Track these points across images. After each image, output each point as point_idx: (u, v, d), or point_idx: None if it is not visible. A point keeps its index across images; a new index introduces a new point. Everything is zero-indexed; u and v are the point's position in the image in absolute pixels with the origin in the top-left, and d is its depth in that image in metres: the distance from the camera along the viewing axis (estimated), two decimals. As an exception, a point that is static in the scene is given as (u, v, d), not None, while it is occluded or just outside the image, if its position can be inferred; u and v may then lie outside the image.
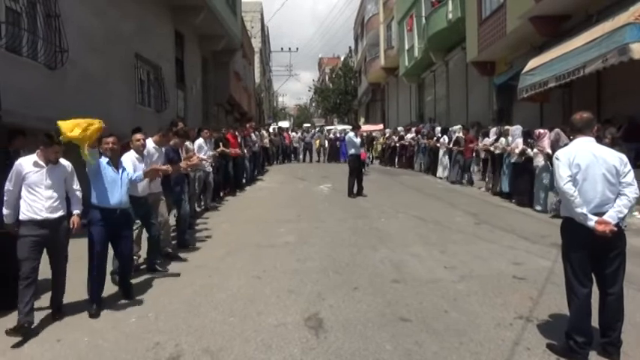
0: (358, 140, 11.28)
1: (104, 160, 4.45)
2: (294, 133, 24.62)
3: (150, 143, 5.71)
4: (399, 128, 22.15)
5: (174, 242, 6.46)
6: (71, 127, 3.99)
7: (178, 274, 5.35)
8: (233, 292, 4.76)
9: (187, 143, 7.48)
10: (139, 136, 5.32)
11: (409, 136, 19.34)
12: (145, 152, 5.44)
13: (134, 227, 5.11)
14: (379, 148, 23.26)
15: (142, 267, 5.57)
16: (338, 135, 24.65)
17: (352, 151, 11.21)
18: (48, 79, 8.16)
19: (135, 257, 5.34)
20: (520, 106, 14.21)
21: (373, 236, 7.00)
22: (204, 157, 8.48)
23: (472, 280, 4.95)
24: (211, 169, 9.48)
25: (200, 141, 8.84)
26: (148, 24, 12.84)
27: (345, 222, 8.09)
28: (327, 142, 23.76)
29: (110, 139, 4.53)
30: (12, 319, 4.02)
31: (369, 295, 4.55)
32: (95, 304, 4.28)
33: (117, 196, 4.40)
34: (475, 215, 8.50)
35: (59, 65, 8.41)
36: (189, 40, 16.71)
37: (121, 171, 4.53)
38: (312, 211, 9.27)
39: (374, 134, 25.35)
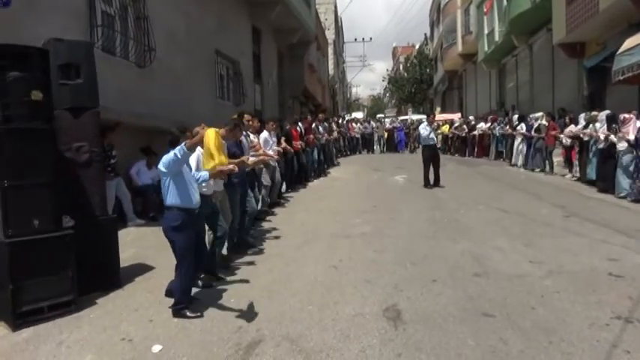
0: (429, 129, 10.94)
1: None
2: (359, 124, 24.17)
3: None
4: (470, 117, 21.32)
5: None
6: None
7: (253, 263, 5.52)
8: (310, 280, 4.83)
9: (252, 136, 7.21)
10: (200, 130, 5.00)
11: (483, 125, 18.69)
12: None
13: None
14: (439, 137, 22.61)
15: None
16: (397, 125, 24.23)
17: (425, 140, 10.86)
18: (138, 77, 8.71)
19: None
20: (614, 90, 13.06)
21: (452, 228, 6.79)
22: (271, 152, 7.92)
23: (561, 276, 4.64)
24: (277, 165, 8.85)
25: (265, 134, 8.26)
26: (226, 20, 13.29)
27: (422, 213, 7.91)
28: (385, 133, 23.32)
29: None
30: (112, 299, 4.39)
31: (448, 288, 4.42)
32: (188, 303, 4.12)
33: (196, 194, 4.17)
34: (563, 207, 7.96)
35: (147, 63, 8.96)
36: (265, 35, 17.10)
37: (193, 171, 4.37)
38: (387, 201, 9.17)
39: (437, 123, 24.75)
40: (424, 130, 10.95)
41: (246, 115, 6.23)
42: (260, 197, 7.58)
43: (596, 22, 12.92)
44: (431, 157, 10.82)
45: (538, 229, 6.54)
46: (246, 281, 4.88)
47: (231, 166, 4.61)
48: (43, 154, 4.16)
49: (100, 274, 4.64)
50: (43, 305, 4.04)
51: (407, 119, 28.83)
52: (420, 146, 11.79)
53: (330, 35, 35.78)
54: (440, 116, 25.07)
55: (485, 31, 23.63)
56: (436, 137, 10.95)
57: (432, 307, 4.00)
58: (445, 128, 22.06)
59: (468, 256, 5.38)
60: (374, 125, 24.41)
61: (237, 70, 14.14)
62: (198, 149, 4.70)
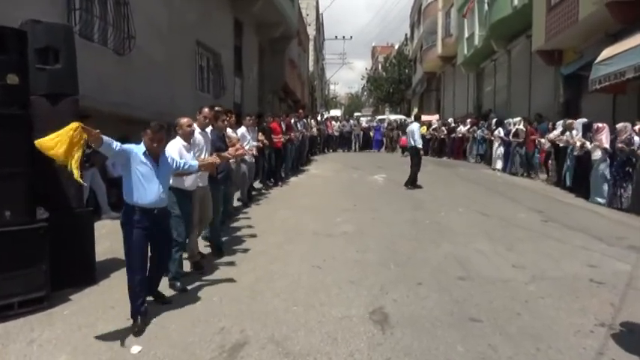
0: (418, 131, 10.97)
1: (140, 149, 3.73)
2: (338, 123, 24.16)
3: (196, 129, 4.97)
4: (450, 120, 21.58)
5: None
6: (53, 145, 3.27)
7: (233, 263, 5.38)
8: (294, 280, 4.74)
9: (229, 131, 6.97)
10: (185, 121, 4.63)
11: (462, 128, 18.94)
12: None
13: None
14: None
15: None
16: (374, 124, 24.44)
17: (414, 142, 10.82)
18: (116, 65, 8.43)
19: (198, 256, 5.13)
20: (590, 98, 13.35)
21: (433, 230, 6.79)
22: (247, 147, 7.52)
23: (544, 282, 4.68)
24: (253, 161, 8.75)
25: (243, 129, 8.09)
26: (209, 11, 13.03)
27: (402, 214, 7.91)
28: (361, 132, 23.43)
29: (159, 136, 3.77)
30: (87, 295, 4.20)
31: (434, 292, 4.39)
32: (139, 317, 3.66)
33: (154, 194, 3.72)
34: (541, 212, 8.07)
35: (127, 51, 8.68)
36: (247, 28, 16.86)
37: (161, 164, 3.83)
38: (368, 200, 9.14)
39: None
40: (417, 131, 10.94)
41: (216, 108, 5.58)
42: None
43: (575, 31, 13.16)
44: (419, 158, 10.81)
45: (518, 233, 6.60)
46: (229, 280, 4.74)
47: (211, 159, 4.48)
48: (17, 141, 3.93)
49: (74, 269, 4.42)
50: (14, 301, 3.82)
51: (385, 119, 28.99)
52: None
53: (311, 31, 35.59)
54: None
55: (466, 35, 23.88)
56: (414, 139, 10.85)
57: (418, 311, 3.96)
58: (423, 129, 22.24)
59: (451, 259, 5.38)
60: (352, 123, 24.45)
61: (217, 62, 13.89)
62: (180, 142, 4.59)
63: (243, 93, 16.66)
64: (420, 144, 10.90)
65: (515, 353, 3.26)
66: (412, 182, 10.64)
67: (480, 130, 17.31)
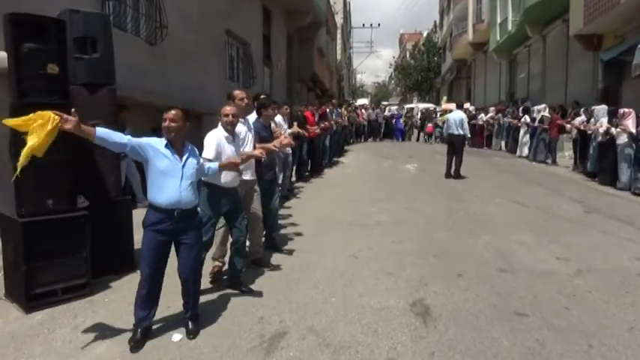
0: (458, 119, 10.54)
1: (161, 141, 3.26)
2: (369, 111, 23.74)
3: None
4: (471, 108, 21.08)
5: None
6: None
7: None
8: (331, 270, 4.68)
9: (278, 119, 6.87)
10: (229, 109, 4.06)
11: (484, 116, 18.72)
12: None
13: (219, 226, 4.28)
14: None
15: (224, 277, 4.45)
16: (395, 113, 23.96)
17: (462, 131, 10.42)
18: (149, 55, 8.48)
19: (219, 263, 4.45)
20: (631, 84, 12.81)
21: (470, 220, 6.62)
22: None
23: (591, 275, 4.49)
24: (290, 151, 8.16)
25: (279, 118, 7.57)
26: (238, 0, 12.99)
27: (437, 204, 7.74)
28: (384, 121, 22.99)
29: (171, 114, 3.23)
30: (126, 282, 4.24)
31: (475, 284, 4.26)
32: (139, 329, 3.26)
33: (173, 191, 3.21)
34: (581, 202, 7.79)
35: (159, 41, 8.72)
36: (276, 17, 16.78)
37: (185, 157, 3.29)
38: (401, 190, 9.00)
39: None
40: (465, 119, 10.62)
41: (237, 93, 4.67)
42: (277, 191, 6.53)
43: (616, 14, 12.58)
44: (457, 147, 10.46)
45: (560, 224, 6.38)
46: (265, 269, 4.71)
47: (256, 153, 3.92)
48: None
49: (114, 257, 4.48)
50: (57, 288, 3.88)
51: (413, 107, 28.58)
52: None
53: (338, 20, 35.26)
54: (446, 105, 24.80)
55: (498, 20, 23.21)
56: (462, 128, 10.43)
57: (461, 304, 3.85)
58: (444, 117, 21.89)
59: (491, 251, 5.23)
60: (377, 112, 23.98)
61: (247, 51, 13.88)
62: (221, 132, 4.03)
63: (272, 82, 16.63)
64: (468, 133, 10.63)
65: (566, 350, 3.12)
66: (457, 173, 10.36)
67: (505, 118, 17.01)
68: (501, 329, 3.40)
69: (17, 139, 3.81)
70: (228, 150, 4.00)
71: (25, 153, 2.91)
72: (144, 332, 3.26)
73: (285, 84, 18.40)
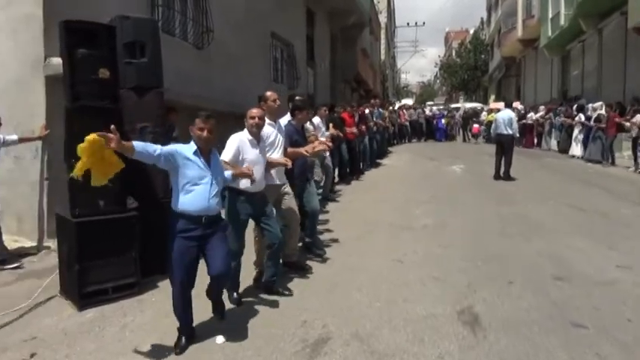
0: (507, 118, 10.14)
1: (189, 149, 3.20)
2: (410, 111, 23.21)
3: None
4: (520, 107, 20.27)
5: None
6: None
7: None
8: (375, 274, 4.58)
9: (316, 121, 6.72)
10: (255, 111, 3.86)
11: (533, 115, 18.15)
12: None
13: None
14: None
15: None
16: (436, 113, 23.35)
17: (511, 130, 10.02)
18: (196, 59, 8.66)
19: (259, 269, 4.39)
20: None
21: (522, 224, 6.34)
22: (323, 139, 6.51)
23: (656, 285, 4.18)
24: (327, 153, 7.79)
25: (317, 120, 7.36)
26: (282, 2, 13.08)
27: (486, 206, 7.48)
28: (425, 121, 22.43)
29: (210, 124, 3.20)
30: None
31: (528, 292, 4.05)
32: (183, 335, 3.28)
33: (202, 199, 3.18)
34: (643, 206, 7.32)
35: (205, 45, 8.89)
36: (319, 18, 16.81)
37: (213, 164, 3.27)
38: (447, 192, 8.76)
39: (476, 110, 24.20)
40: (514, 118, 10.25)
41: (269, 94, 4.42)
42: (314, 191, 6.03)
43: (681, 5, 11.80)
44: (506, 147, 10.06)
45: (620, 230, 6.00)
46: (308, 272, 4.67)
47: (282, 160, 3.83)
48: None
49: (161, 257, 4.55)
50: (108, 286, 4.01)
51: (460, 107, 27.93)
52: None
53: (382, 19, 34.95)
54: (494, 104, 24.06)
55: (550, 15, 22.27)
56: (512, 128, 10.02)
57: (512, 313, 3.66)
58: (491, 117, 21.26)
59: (545, 257, 4.97)
60: (418, 112, 23.39)
61: (291, 52, 13.96)
62: (245, 135, 3.84)
63: (316, 83, 16.66)
64: (517, 133, 10.28)
65: (630, 366, 2.91)
66: (507, 174, 9.99)
67: (557, 117, 16.28)
68: (557, 341, 3.20)
69: (71, 143, 3.96)
70: (251, 154, 3.81)
71: (78, 167, 3.04)
72: (188, 336, 3.29)
73: (328, 84, 18.40)
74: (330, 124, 8.54)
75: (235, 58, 10.01)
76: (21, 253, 5.30)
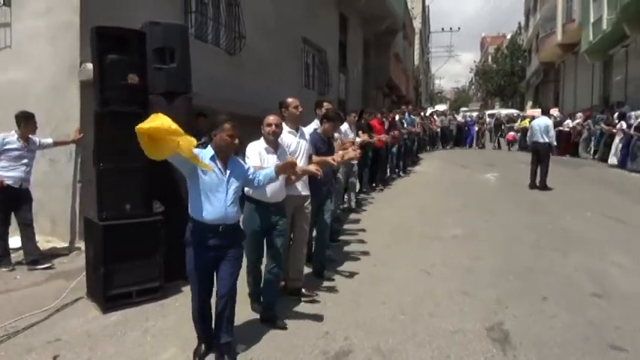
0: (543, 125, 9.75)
1: (206, 154, 3.10)
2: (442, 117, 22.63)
3: (284, 128, 3.94)
4: (555, 113, 19.58)
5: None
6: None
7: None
8: (400, 285, 4.46)
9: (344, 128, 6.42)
10: (272, 118, 3.69)
11: (570, 122, 17.58)
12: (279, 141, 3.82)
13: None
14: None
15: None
16: (468, 119, 22.75)
17: (547, 139, 9.65)
18: (228, 65, 8.73)
19: (282, 282, 4.13)
20: None
21: (558, 237, 6.08)
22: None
23: None
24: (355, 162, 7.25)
25: (345, 126, 6.99)
26: (315, 8, 13.10)
27: (520, 217, 7.21)
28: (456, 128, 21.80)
29: (234, 129, 3.09)
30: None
31: (563, 310, 3.85)
32: (203, 343, 3.23)
33: (219, 207, 3.05)
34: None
35: (237, 51, 8.96)
36: (352, 23, 16.76)
37: (230, 171, 3.12)
38: (479, 201, 8.52)
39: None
40: (551, 126, 9.88)
41: (291, 101, 4.21)
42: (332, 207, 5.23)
43: None
44: (542, 155, 9.72)
45: (665, 246, 5.67)
46: (331, 281, 4.59)
47: (312, 168, 3.50)
48: (137, 138, 4.11)
49: (185, 262, 4.57)
50: (132, 290, 4.03)
51: (494, 113, 27.31)
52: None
53: (416, 24, 34.62)
54: (531, 111, 23.39)
55: (591, 19, 21.52)
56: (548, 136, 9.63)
57: (545, 332, 3.48)
58: (525, 123, 20.66)
59: (582, 272, 4.73)
60: (450, 118, 22.73)
61: (323, 58, 13.94)
62: (261, 144, 3.69)
63: (348, 89, 16.59)
64: (554, 140, 9.92)
65: (674, 395, 2.70)
66: (543, 183, 9.62)
67: (596, 124, 15.65)
68: (593, 365, 3.02)
69: (100, 147, 4.03)
70: (270, 163, 3.58)
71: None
72: (208, 344, 3.22)
73: (360, 90, 18.29)
74: (359, 132, 8.24)
75: (266, 63, 10.06)
76: (53, 254, 5.43)
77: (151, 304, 4.04)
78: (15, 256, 5.16)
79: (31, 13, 6.04)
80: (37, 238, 5.31)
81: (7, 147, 5.02)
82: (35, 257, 5.05)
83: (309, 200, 4.16)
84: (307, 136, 4.34)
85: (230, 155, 3.18)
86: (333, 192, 5.00)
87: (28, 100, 5.76)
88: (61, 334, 3.49)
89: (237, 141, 3.11)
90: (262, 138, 3.72)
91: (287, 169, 3.29)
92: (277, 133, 3.70)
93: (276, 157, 3.68)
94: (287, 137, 4.01)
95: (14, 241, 5.27)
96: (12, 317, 3.68)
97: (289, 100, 4.21)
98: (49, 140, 5.44)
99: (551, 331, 3.48)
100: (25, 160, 5.13)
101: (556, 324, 3.60)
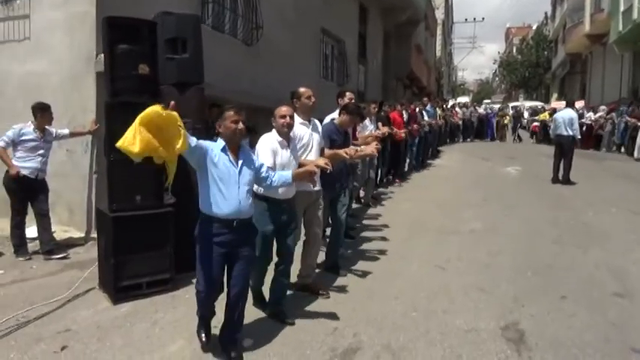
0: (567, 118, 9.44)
1: (217, 146, 3.00)
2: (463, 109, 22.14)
3: (296, 119, 3.70)
4: (578, 106, 18.95)
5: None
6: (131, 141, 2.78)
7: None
8: (414, 281, 4.36)
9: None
10: (284, 110, 3.51)
11: (592, 115, 17.23)
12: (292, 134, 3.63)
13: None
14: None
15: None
16: (489, 112, 22.21)
17: (571, 132, 9.33)
18: (245, 55, 8.67)
19: (298, 281, 4.12)
20: None
21: (580, 232, 5.88)
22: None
23: None
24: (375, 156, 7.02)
25: (365, 119, 6.56)
26: (334, -1, 12.93)
27: (541, 211, 7.01)
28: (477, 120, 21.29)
29: (242, 116, 3.02)
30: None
31: (582, 309, 3.70)
32: (203, 333, 3.24)
33: (232, 201, 2.93)
34: None
35: (254, 41, 8.89)
36: (372, 14, 16.53)
37: (241, 162, 2.99)
38: (499, 195, 8.32)
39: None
40: (575, 118, 9.56)
41: (304, 91, 4.03)
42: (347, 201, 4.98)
43: None
44: (562, 149, 9.43)
45: (693, 243, 5.42)
46: (343, 275, 4.51)
47: (321, 162, 3.23)
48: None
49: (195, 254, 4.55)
50: (142, 281, 4.03)
51: (518, 106, 26.74)
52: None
53: (439, 15, 34.01)
54: (554, 104, 22.76)
55: (621, 8, 20.78)
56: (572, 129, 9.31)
57: (563, 332, 3.34)
58: (545, 116, 20.11)
59: (604, 270, 4.55)
60: (471, 110, 22.22)
61: (341, 49, 13.79)
62: (274, 137, 3.53)
63: (367, 80, 16.39)
64: (578, 134, 9.63)
65: (700, 403, 2.55)
66: (566, 177, 9.34)
67: (621, 117, 15.17)
68: (614, 368, 2.89)
69: (111, 138, 4.00)
70: (284, 157, 3.48)
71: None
72: (208, 333, 3.24)
73: (380, 81, 18.07)
74: (379, 124, 7.87)
75: (284, 54, 9.97)
76: (69, 244, 5.49)
77: (161, 296, 4.03)
78: (32, 246, 5.23)
79: (49, 4, 6.06)
80: (55, 227, 5.37)
81: (23, 138, 5.06)
82: (50, 247, 5.10)
83: (321, 196, 4.04)
84: (320, 129, 4.19)
85: (241, 145, 3.06)
86: (347, 187, 4.80)
87: (46, 91, 5.80)
88: (70, 325, 3.51)
89: (241, 125, 2.97)
90: (274, 130, 3.56)
91: (305, 177, 3.23)
92: (291, 125, 3.54)
93: (289, 151, 3.54)
94: (299, 129, 3.84)
95: (31, 230, 5.33)
96: (24, 307, 3.71)
97: (301, 89, 4.04)
98: (66, 131, 5.47)
99: (569, 332, 3.34)
100: (42, 151, 5.17)
101: (575, 324, 3.46)
